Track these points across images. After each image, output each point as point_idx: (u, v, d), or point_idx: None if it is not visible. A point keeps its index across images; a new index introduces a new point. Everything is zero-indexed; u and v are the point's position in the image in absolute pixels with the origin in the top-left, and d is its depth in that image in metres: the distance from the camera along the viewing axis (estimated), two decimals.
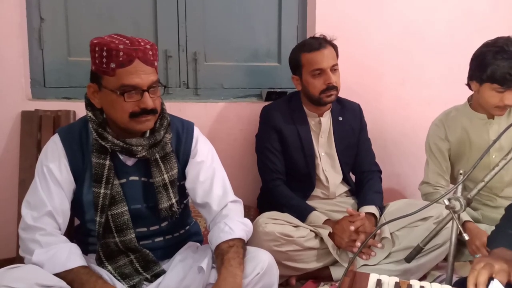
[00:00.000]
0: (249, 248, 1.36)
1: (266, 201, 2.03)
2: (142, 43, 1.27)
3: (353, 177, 2.15)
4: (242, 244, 1.32)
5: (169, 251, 1.46)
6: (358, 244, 1.69)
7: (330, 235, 1.77)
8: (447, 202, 1.14)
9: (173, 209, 1.39)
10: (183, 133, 1.44)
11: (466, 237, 1.14)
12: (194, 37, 2.19)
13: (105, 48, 1.24)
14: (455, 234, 1.18)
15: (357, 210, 1.91)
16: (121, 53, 1.23)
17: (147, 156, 1.33)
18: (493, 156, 1.86)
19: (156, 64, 1.31)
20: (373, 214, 1.86)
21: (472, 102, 1.91)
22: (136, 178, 1.38)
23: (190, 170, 1.44)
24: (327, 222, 1.81)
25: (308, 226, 1.79)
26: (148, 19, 2.12)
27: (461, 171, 1.16)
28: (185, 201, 1.51)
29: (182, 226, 1.53)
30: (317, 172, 2.00)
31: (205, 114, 2.19)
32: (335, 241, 1.77)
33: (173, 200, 1.38)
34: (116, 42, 1.25)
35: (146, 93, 1.26)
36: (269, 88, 2.33)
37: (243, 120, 2.24)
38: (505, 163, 1.12)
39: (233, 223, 1.36)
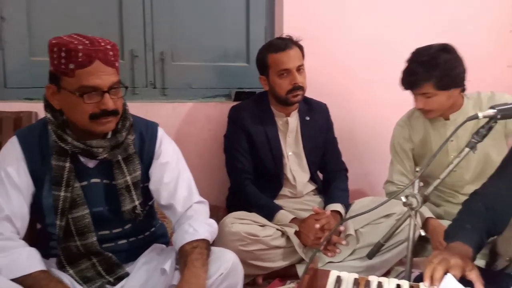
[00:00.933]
0: (213, 248, 1.36)
1: (234, 201, 2.04)
2: (102, 43, 1.25)
3: (320, 175, 2.18)
4: (206, 245, 1.32)
5: (133, 254, 1.44)
6: (324, 242, 1.71)
7: (296, 233, 1.79)
8: (404, 199, 1.17)
9: (136, 211, 1.37)
10: (146, 134, 1.43)
11: (422, 233, 1.17)
12: (161, 37, 2.17)
13: (63, 49, 1.21)
14: (413, 230, 1.22)
15: (324, 208, 1.94)
16: (80, 54, 1.20)
17: (108, 157, 1.31)
18: (452, 156, 1.89)
19: (117, 64, 1.29)
20: (338, 212, 1.90)
21: None
22: (98, 180, 1.35)
23: (154, 172, 1.42)
24: (294, 220, 1.83)
25: (274, 225, 1.80)
26: (113, 18, 2.09)
27: (417, 169, 1.19)
28: (150, 203, 1.50)
29: (146, 228, 1.51)
30: (284, 172, 2.02)
31: (173, 114, 2.17)
32: (301, 239, 1.79)
33: (136, 202, 1.37)
34: (76, 42, 1.22)
35: (106, 94, 1.24)
36: (238, 88, 2.34)
37: (212, 121, 2.24)
38: (459, 160, 1.16)
39: (197, 224, 1.35)
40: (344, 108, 2.52)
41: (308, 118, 2.06)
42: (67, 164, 1.29)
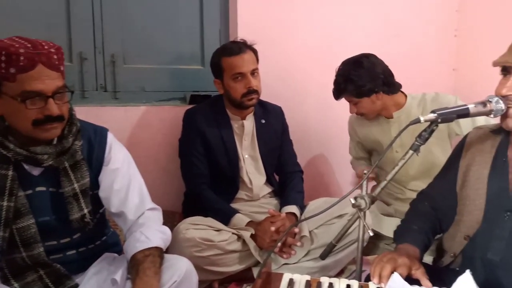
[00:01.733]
0: (167, 256, 1.33)
1: (190, 206, 2.01)
2: (46, 47, 1.20)
3: (277, 177, 2.20)
4: (159, 253, 1.30)
5: (84, 264, 1.39)
6: (279, 244, 1.73)
7: (252, 236, 1.80)
8: (353, 201, 1.21)
9: (85, 220, 1.32)
10: (95, 139, 1.38)
11: (371, 233, 1.21)
12: (112, 39, 2.11)
13: (3, 52, 1.15)
14: (362, 231, 1.25)
15: (280, 210, 1.96)
16: (21, 58, 1.15)
17: (54, 165, 1.26)
18: (396, 151, 2.03)
19: (62, 68, 1.24)
20: (294, 214, 1.92)
21: None
22: (44, 188, 1.30)
23: (103, 179, 1.38)
24: (250, 224, 1.84)
25: (230, 229, 1.80)
26: (60, 19, 2.00)
27: (364, 171, 1.23)
28: (100, 211, 1.46)
29: (97, 237, 1.46)
30: (241, 175, 2.02)
31: (125, 118, 2.12)
32: (257, 242, 1.80)
33: (85, 211, 1.32)
34: (17, 45, 1.17)
35: (50, 100, 1.19)
36: (192, 91, 2.31)
37: (166, 124, 2.21)
38: (403, 162, 1.20)
39: (149, 231, 1.33)
40: (299, 110, 2.56)
41: (263, 121, 2.07)
42: (10, 172, 1.23)
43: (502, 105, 1.13)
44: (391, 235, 1.51)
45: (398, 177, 1.93)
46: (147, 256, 1.27)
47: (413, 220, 1.37)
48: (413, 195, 1.76)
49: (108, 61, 2.12)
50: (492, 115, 1.15)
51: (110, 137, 1.42)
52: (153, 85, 2.25)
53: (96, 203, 1.40)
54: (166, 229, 1.40)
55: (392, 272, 1.10)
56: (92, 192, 1.37)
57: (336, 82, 1.94)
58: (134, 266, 1.26)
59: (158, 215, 1.44)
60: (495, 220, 1.20)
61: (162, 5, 2.24)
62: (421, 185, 1.80)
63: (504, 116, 1.16)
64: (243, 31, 2.29)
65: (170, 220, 2.04)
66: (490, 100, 1.14)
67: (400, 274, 1.10)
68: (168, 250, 1.43)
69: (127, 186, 1.39)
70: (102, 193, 1.39)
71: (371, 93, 1.90)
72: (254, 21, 2.35)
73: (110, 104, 2.14)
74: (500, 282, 1.17)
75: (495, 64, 1.15)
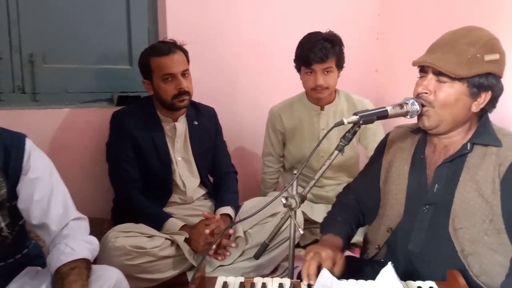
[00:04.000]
0: (94, 267, 1.27)
1: (120, 212, 1.94)
2: None
3: (211, 179, 2.19)
4: (86, 265, 1.23)
5: (3, 280, 1.28)
6: (214, 246, 1.72)
7: (186, 240, 1.78)
8: (284, 201, 1.23)
9: (3, 234, 1.23)
10: (12, 147, 1.28)
11: (301, 232, 1.24)
12: (30, 37, 1.98)
13: None
14: (294, 229, 1.29)
15: (214, 212, 1.95)
16: None
17: None
18: (322, 143, 2.15)
19: None
20: (228, 215, 1.93)
21: (307, 94, 2.22)
22: None
23: (22, 189, 1.28)
24: (184, 227, 1.81)
25: (163, 235, 1.76)
26: None
27: (294, 171, 1.26)
28: (20, 223, 1.35)
29: (17, 250, 1.36)
30: (173, 178, 1.98)
31: (47, 121, 2.00)
32: (192, 246, 1.78)
33: (2, 224, 1.23)
34: None
35: None
36: (120, 92, 2.23)
37: (93, 127, 2.11)
38: (330, 162, 1.25)
39: (75, 243, 1.26)
40: (232, 111, 2.57)
41: (196, 123, 2.05)
42: None
43: (417, 106, 1.22)
44: (319, 220, 1.64)
45: (313, 165, 2.20)
46: (73, 268, 1.20)
47: (338, 212, 1.43)
48: (327, 182, 2.23)
49: (26, 60, 1.98)
50: (408, 116, 1.23)
51: (29, 143, 1.33)
52: (76, 86, 2.14)
53: (15, 215, 1.30)
54: (93, 239, 1.33)
55: (319, 267, 1.14)
56: (10, 203, 1.27)
57: (321, 45, 1.99)
58: (59, 280, 1.19)
59: (84, 225, 1.37)
60: (415, 213, 1.29)
61: (86, 2, 2.13)
62: (331, 173, 2.23)
63: (420, 115, 1.25)
64: (172, 31, 2.24)
65: (99, 227, 1.95)
66: (406, 102, 1.22)
67: (327, 269, 1.14)
68: (96, 261, 1.37)
69: (49, 196, 1.31)
70: (21, 204, 1.29)
71: (342, 67, 2.11)
72: (184, 19, 2.32)
73: (30, 107, 2.00)
74: (419, 272, 1.26)
75: (414, 63, 1.24)
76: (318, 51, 1.99)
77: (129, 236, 1.65)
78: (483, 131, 1.24)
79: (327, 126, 2.18)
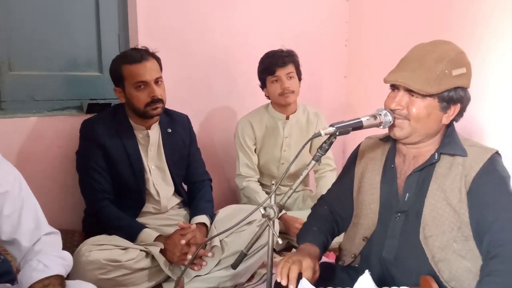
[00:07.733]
0: (69, 283, 1.24)
1: (92, 223, 1.89)
2: None
3: (185, 187, 2.17)
4: (60, 281, 1.20)
5: None
6: (189, 257, 1.70)
7: (162, 251, 1.75)
8: (263, 211, 1.24)
9: None
10: None
11: (280, 241, 1.26)
12: None
13: None
14: (272, 239, 1.30)
15: (189, 221, 1.94)
16: None
17: None
18: (284, 151, 2.36)
19: None
20: (204, 224, 1.91)
21: (272, 104, 2.36)
22: None
23: None
24: (159, 238, 1.78)
25: (138, 246, 1.73)
26: None
27: (273, 182, 1.28)
28: None
29: None
30: (147, 187, 1.95)
31: (13, 131, 1.93)
32: (167, 256, 1.75)
33: None
34: None
35: None
36: (90, 100, 2.18)
37: (62, 136, 2.05)
38: (307, 172, 1.27)
39: (47, 259, 1.22)
40: (205, 117, 2.56)
41: (170, 130, 2.02)
42: None
43: (390, 117, 1.26)
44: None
45: (280, 173, 2.32)
46: (46, 286, 1.16)
47: (313, 223, 1.46)
48: (284, 190, 2.28)
49: None
50: (381, 127, 1.27)
51: None
52: (44, 94, 2.07)
53: None
54: (67, 254, 1.29)
55: (299, 274, 1.16)
56: None
57: (280, 54, 2.23)
58: None
59: (57, 240, 1.32)
60: (388, 221, 1.33)
61: (54, 6, 2.07)
62: (288, 181, 2.34)
63: (392, 126, 1.29)
64: (144, 38, 2.21)
65: (70, 240, 1.90)
66: (379, 113, 1.26)
67: (307, 278, 1.16)
68: (69, 276, 1.32)
69: (19, 210, 1.26)
70: None
71: (300, 78, 2.31)
72: (155, 26, 2.29)
73: None
74: (393, 278, 1.30)
75: (385, 81, 1.28)
76: (279, 58, 2.21)
77: (103, 249, 1.61)
78: (449, 141, 1.29)
79: (290, 134, 2.35)
